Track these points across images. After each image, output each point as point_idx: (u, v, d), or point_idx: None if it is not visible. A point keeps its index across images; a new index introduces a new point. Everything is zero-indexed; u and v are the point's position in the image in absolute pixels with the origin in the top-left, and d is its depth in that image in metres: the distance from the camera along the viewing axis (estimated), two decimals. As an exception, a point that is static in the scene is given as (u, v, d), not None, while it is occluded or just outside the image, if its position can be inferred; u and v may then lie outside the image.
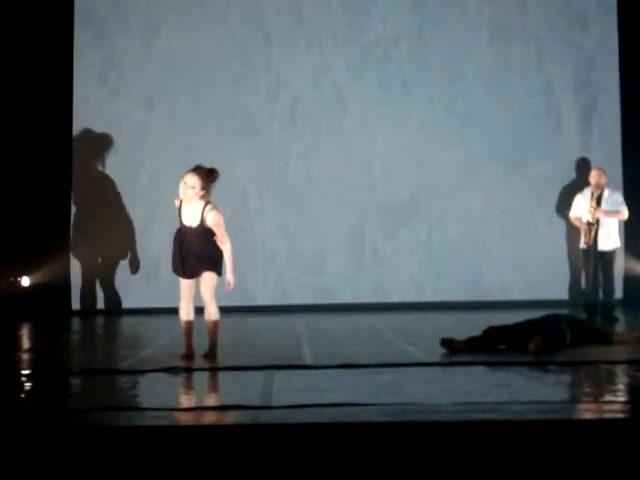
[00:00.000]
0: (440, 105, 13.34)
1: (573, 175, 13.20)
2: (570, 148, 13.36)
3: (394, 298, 13.13)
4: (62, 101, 12.99)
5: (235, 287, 8.30)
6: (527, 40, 13.42)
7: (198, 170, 8.12)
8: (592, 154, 13.23)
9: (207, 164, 7.79)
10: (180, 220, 8.19)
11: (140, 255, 12.91)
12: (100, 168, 13.10)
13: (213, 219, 8.07)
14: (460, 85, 13.37)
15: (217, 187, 12.43)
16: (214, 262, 8.18)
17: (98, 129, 13.06)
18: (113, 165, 13.10)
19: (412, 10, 13.40)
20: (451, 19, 13.39)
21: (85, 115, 13.04)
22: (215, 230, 8.09)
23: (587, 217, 11.42)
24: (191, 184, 8.04)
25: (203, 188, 8.07)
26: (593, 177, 11.58)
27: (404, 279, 13.24)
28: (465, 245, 13.27)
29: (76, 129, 13.05)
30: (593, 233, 11.39)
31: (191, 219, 8.12)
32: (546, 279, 13.25)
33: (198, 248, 8.13)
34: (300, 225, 13.21)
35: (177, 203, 8.22)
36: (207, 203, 8.10)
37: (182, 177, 8.13)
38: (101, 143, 13.05)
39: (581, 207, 11.59)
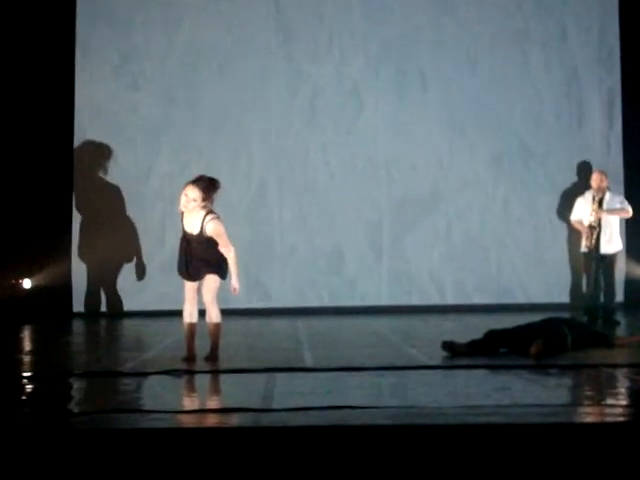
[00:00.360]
0: (459, 99, 13.35)
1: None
2: (591, 142, 13.37)
3: (414, 292, 13.18)
4: (64, 101, 12.99)
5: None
6: (548, 35, 13.43)
7: (199, 181, 8.12)
8: (612, 149, 13.26)
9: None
10: (182, 228, 8.22)
11: (145, 258, 12.92)
12: (103, 169, 13.10)
13: (213, 229, 8.10)
14: (479, 79, 13.39)
15: (236, 181, 12.61)
16: (218, 265, 8.21)
17: (101, 129, 13.06)
18: (117, 166, 13.10)
19: (431, 3, 13.42)
20: (470, 12, 13.39)
21: (87, 116, 13.05)
22: (217, 239, 8.12)
23: (589, 220, 11.42)
24: (192, 197, 8.06)
25: (204, 199, 8.08)
26: (594, 180, 11.58)
27: (422, 273, 13.25)
28: (484, 239, 13.28)
29: (78, 130, 13.05)
30: (595, 236, 11.39)
31: (192, 227, 8.16)
32: (547, 282, 13.27)
33: (202, 252, 8.17)
34: (318, 218, 13.23)
35: (180, 210, 8.25)
36: (208, 213, 8.11)
37: (183, 188, 8.13)
38: (104, 144, 13.05)
39: (582, 210, 11.59)
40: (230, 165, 13.04)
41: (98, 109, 13.04)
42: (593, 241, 11.39)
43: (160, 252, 12.65)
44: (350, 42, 13.36)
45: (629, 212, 11.59)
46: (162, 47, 13.23)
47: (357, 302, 13.14)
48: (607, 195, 11.54)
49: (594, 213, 11.39)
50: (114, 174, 13.09)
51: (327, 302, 13.12)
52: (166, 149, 13.12)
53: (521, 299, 13.15)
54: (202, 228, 8.10)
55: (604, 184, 11.54)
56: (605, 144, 13.37)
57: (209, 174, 8.31)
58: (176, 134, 13.13)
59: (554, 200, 13.31)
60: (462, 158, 13.31)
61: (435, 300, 13.20)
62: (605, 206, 11.46)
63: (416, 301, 13.18)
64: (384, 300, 13.19)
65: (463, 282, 13.27)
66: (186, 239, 8.22)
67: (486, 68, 13.42)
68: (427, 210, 13.32)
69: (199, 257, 8.17)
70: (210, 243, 8.15)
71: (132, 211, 13.07)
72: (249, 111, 13.21)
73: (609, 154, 13.25)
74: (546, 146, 13.38)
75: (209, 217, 8.10)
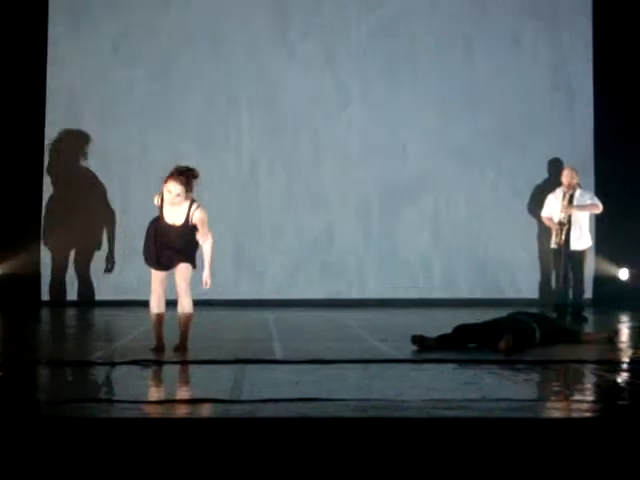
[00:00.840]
0: (449, 82, 13.38)
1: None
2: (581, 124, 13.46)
3: (402, 278, 13.23)
4: (35, 87, 12.89)
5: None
6: (539, 17, 13.49)
7: (179, 176, 8.09)
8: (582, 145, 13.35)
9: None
10: (162, 218, 8.16)
11: (119, 245, 12.88)
12: (75, 155, 13.00)
13: (200, 217, 8.13)
14: (470, 62, 13.42)
15: (229, 159, 12.45)
16: (191, 254, 8.23)
17: (72, 113, 12.98)
18: (88, 152, 13.02)
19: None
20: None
21: (57, 101, 12.96)
22: (200, 227, 8.13)
23: (559, 216, 11.48)
24: (176, 192, 8.06)
25: (187, 191, 8.08)
26: (565, 177, 11.63)
27: (410, 258, 13.28)
28: (472, 225, 13.33)
29: (49, 116, 12.97)
30: (564, 233, 11.44)
31: (175, 218, 8.14)
32: (516, 278, 13.34)
33: (180, 242, 8.16)
34: (307, 200, 13.24)
35: (157, 201, 8.21)
36: (192, 202, 8.15)
37: (164, 183, 8.10)
38: (76, 130, 12.97)
39: (553, 207, 11.64)
40: (220, 145, 13.09)
41: (70, 93, 12.95)
42: (563, 237, 11.45)
43: (128, 242, 12.54)
44: (342, 24, 13.35)
45: (599, 207, 11.65)
46: (154, 23, 13.17)
47: (343, 287, 13.15)
48: (577, 192, 11.60)
49: (564, 209, 11.44)
50: (98, 155, 12.98)
51: (316, 283, 13.11)
52: (156, 127, 13.06)
53: (492, 294, 13.18)
54: (188, 217, 8.12)
55: (575, 181, 11.59)
56: (575, 140, 13.43)
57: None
58: (167, 112, 13.07)
59: (524, 197, 13.38)
60: (451, 141, 13.32)
61: (421, 283, 13.23)
62: (575, 203, 11.51)
63: (403, 283, 13.20)
64: (371, 284, 13.20)
65: (451, 268, 13.30)
66: (162, 229, 8.17)
67: (477, 50, 13.44)
68: (415, 194, 13.33)
69: (175, 247, 8.15)
70: (192, 232, 8.15)
71: (112, 197, 12.99)
72: (240, 91, 13.20)
73: (558, 159, 13.29)
74: (534, 129, 13.42)
75: (195, 206, 8.14)
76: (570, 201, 11.50)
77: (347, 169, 13.29)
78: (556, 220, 11.51)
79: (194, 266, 8.26)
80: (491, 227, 13.38)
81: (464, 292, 13.29)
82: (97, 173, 13.01)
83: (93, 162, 13.02)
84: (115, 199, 13.00)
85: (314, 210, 13.26)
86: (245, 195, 13.20)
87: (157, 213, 8.27)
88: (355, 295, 13.21)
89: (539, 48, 13.51)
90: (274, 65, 13.29)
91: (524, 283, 13.34)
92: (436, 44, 13.43)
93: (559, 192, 11.65)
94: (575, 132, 13.46)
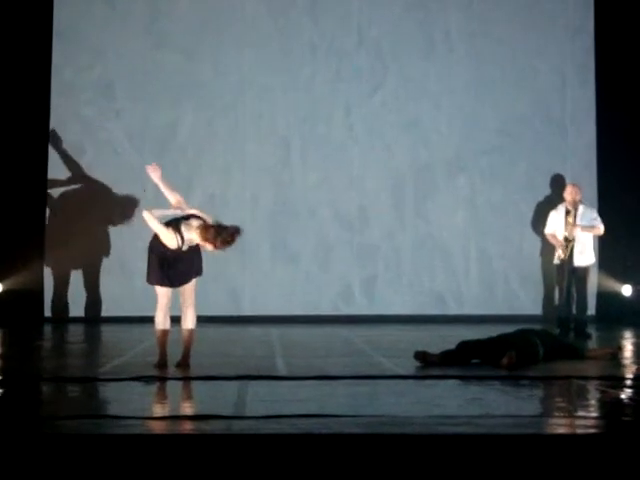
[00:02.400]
0: (485, 63, 13.38)
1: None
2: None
3: (436, 260, 13.24)
4: (38, 104, 12.90)
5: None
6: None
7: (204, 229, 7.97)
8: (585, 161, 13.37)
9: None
10: (180, 238, 8.00)
11: (115, 263, 12.86)
12: (78, 170, 13.01)
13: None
14: (505, 45, 13.40)
15: (260, 142, 13.09)
16: (200, 267, 8.25)
17: (75, 132, 13.00)
18: (91, 168, 13.03)
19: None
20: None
21: (61, 117, 12.96)
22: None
23: (564, 233, 11.45)
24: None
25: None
26: (569, 193, 11.59)
27: (445, 237, 13.30)
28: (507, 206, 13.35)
29: (53, 128, 12.97)
30: (569, 249, 11.42)
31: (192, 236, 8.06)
32: (518, 294, 13.33)
33: (191, 255, 8.13)
34: (342, 180, 13.25)
35: (178, 242, 8.01)
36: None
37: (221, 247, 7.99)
38: (80, 146, 12.98)
39: (556, 223, 11.61)
40: (254, 126, 13.14)
41: (74, 110, 12.98)
42: (567, 253, 11.42)
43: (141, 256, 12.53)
44: (374, 2, 13.35)
45: (601, 230, 11.63)
46: (185, 4, 13.23)
47: (380, 269, 13.15)
48: (580, 208, 11.57)
49: (569, 227, 11.41)
50: (90, 175, 13.01)
51: (349, 265, 13.13)
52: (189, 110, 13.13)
53: (495, 310, 13.16)
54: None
55: (578, 197, 11.57)
56: (577, 156, 13.44)
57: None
58: (200, 95, 13.12)
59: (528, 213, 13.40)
60: (487, 122, 13.34)
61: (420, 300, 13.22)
62: (579, 219, 11.49)
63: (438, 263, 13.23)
64: (406, 271, 13.21)
65: (453, 284, 13.28)
66: (169, 249, 8.14)
67: (511, 33, 13.42)
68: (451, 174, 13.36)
69: (187, 261, 8.13)
70: (197, 248, 8.16)
71: (116, 213, 13.02)
72: (272, 72, 13.21)
73: (561, 175, 13.29)
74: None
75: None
76: (574, 217, 11.48)
77: (381, 149, 13.29)
78: (560, 237, 11.48)
79: (201, 273, 8.27)
80: (494, 241, 13.37)
81: (467, 308, 13.25)
82: (101, 190, 13.00)
83: (98, 177, 13.03)
84: (120, 215, 12.97)
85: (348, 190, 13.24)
86: (279, 175, 13.20)
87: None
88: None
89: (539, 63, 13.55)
90: (306, 45, 13.26)
91: (527, 299, 13.31)
92: (476, 24, 13.37)
93: (561, 208, 11.62)
94: (577, 148, 13.46)
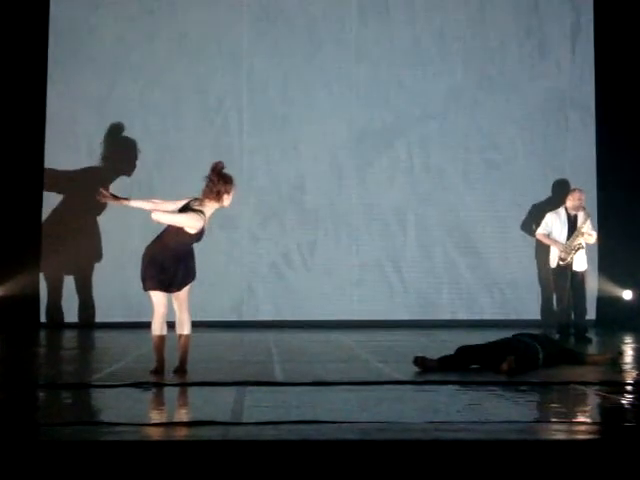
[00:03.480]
0: (424, 30, 13.36)
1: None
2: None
3: (376, 224, 13.20)
4: (35, 108, 12.88)
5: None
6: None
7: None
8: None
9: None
10: (204, 217, 8.03)
11: (111, 269, 12.81)
12: (74, 175, 12.97)
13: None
14: (444, 11, 13.41)
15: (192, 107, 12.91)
16: (194, 271, 8.24)
17: (70, 135, 12.95)
18: (87, 173, 12.99)
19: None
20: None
21: (57, 123, 12.94)
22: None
23: (579, 240, 11.39)
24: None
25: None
26: (577, 199, 11.51)
27: (384, 204, 13.24)
28: (448, 173, 13.32)
29: (49, 133, 12.95)
30: (575, 254, 11.41)
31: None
32: (517, 299, 13.31)
33: (183, 265, 8.11)
34: (280, 146, 13.21)
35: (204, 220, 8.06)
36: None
37: (224, 194, 8.02)
38: (74, 150, 12.94)
39: (556, 227, 11.56)
40: (192, 93, 13.12)
41: (68, 116, 12.97)
42: (573, 257, 11.40)
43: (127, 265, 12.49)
44: None
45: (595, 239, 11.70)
46: None
47: (321, 234, 13.11)
48: (580, 214, 11.55)
49: (583, 234, 11.37)
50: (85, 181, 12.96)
51: (289, 229, 13.09)
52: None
53: (493, 315, 13.14)
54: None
55: (583, 204, 11.56)
56: (576, 161, 13.42)
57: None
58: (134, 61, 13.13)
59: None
60: (426, 89, 13.30)
61: (396, 231, 13.18)
62: (579, 224, 11.48)
63: (377, 230, 13.18)
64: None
65: (425, 215, 13.26)
66: (164, 248, 8.08)
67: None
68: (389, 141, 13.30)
69: (182, 266, 8.11)
70: (191, 248, 8.17)
71: (112, 219, 12.96)
72: (211, 37, 13.18)
73: (581, 171, 13.28)
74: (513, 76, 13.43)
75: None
76: (574, 223, 11.47)
77: (319, 115, 13.23)
78: (576, 242, 11.40)
79: (195, 278, 8.26)
80: (490, 246, 13.34)
81: (465, 313, 13.23)
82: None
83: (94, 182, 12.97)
84: (115, 221, 12.92)
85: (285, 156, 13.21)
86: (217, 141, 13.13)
87: (153, 235, 8.25)
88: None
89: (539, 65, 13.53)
90: (245, 13, 13.21)
91: (525, 303, 13.28)
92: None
93: (562, 213, 11.58)
94: (577, 153, 13.43)
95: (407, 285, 13.28)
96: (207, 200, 8.03)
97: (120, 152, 13.06)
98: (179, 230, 8.00)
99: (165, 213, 7.99)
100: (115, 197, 8.35)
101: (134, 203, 8.30)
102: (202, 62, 13.20)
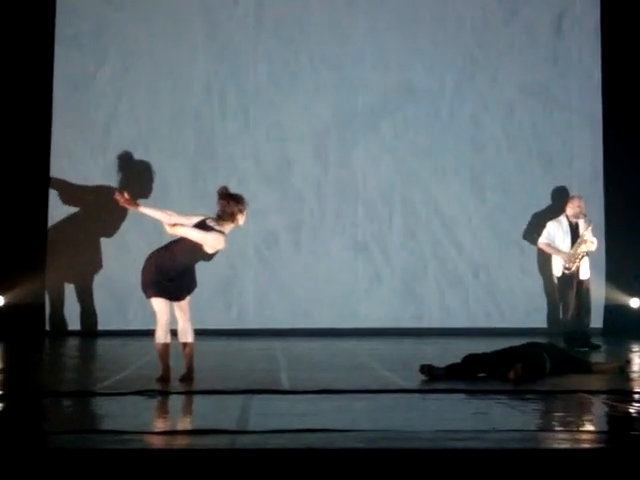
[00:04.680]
0: (411, 11, 13.34)
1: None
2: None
3: (362, 205, 13.16)
4: (40, 112, 12.87)
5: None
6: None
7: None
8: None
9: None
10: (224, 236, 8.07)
11: (115, 277, 12.79)
12: (80, 184, 12.96)
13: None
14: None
15: (176, 89, 12.91)
16: (195, 280, 8.27)
17: (77, 141, 12.95)
18: (94, 181, 13.00)
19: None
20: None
21: (63, 128, 12.92)
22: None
23: (584, 248, 11.36)
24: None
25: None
26: (577, 206, 11.50)
27: (370, 182, 13.19)
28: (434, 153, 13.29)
29: (54, 144, 12.94)
30: (580, 262, 11.38)
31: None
32: (523, 307, 13.28)
33: (185, 274, 8.13)
34: (264, 126, 13.15)
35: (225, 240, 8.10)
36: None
37: (238, 215, 8.05)
38: (80, 159, 12.94)
39: (558, 235, 11.53)
40: (173, 74, 13.10)
41: (75, 120, 12.96)
42: (578, 266, 11.37)
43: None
44: None
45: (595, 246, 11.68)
46: None
47: (306, 215, 13.07)
48: (581, 222, 11.52)
49: (586, 242, 11.35)
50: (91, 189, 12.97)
51: (273, 208, 13.04)
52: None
53: (499, 323, 13.11)
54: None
55: (583, 210, 11.53)
56: (584, 169, 13.39)
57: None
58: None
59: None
60: (414, 68, 13.27)
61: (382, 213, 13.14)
62: (581, 232, 11.46)
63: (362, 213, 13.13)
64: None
65: (410, 196, 13.21)
66: (172, 256, 8.09)
67: None
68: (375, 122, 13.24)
69: (184, 275, 8.13)
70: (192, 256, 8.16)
71: (117, 228, 12.96)
72: (192, 19, 13.14)
73: (589, 179, 13.26)
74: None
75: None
76: (576, 231, 11.45)
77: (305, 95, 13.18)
78: (581, 250, 11.37)
79: (196, 287, 8.28)
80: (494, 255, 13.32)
81: (470, 321, 13.19)
82: (103, 202, 12.94)
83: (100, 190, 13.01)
84: (119, 230, 12.92)
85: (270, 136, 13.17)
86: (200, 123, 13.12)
87: (156, 244, 8.26)
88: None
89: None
90: None
91: (531, 312, 13.24)
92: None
93: (564, 221, 11.55)
94: (585, 160, 13.40)
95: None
96: (222, 221, 8.05)
97: (128, 167, 13.05)
98: (196, 246, 7.99)
99: (190, 228, 8.00)
100: (132, 201, 8.32)
101: (148, 211, 8.28)
102: (185, 43, 13.12)
